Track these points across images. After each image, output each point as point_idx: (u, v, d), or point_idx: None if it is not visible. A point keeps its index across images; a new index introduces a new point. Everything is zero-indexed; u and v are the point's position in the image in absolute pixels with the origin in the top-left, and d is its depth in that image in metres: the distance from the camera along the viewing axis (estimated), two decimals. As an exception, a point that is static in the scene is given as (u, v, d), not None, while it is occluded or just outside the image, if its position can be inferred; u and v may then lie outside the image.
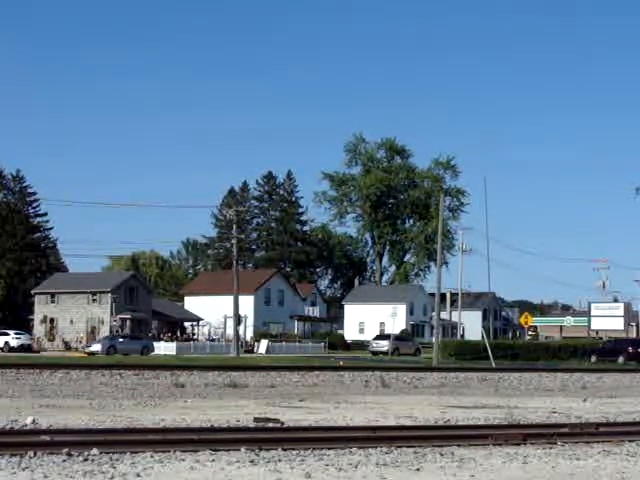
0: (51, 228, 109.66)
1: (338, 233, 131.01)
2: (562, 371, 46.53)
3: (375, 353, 75.43)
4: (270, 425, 15.79)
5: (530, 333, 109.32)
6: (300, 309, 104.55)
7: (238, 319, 73.03)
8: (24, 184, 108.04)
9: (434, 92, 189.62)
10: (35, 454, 11.19)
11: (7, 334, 73.74)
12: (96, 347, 66.63)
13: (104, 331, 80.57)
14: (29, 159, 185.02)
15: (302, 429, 14.96)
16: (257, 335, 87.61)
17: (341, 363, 56.68)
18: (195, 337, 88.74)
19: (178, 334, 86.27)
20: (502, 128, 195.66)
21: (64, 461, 10.96)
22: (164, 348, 70.65)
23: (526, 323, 76.93)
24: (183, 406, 20.91)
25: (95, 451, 11.48)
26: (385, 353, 73.28)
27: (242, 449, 12.15)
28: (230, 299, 74.38)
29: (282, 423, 16.14)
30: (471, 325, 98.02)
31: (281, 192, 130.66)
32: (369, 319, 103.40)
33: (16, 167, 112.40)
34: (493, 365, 53.32)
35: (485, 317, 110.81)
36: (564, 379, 40.30)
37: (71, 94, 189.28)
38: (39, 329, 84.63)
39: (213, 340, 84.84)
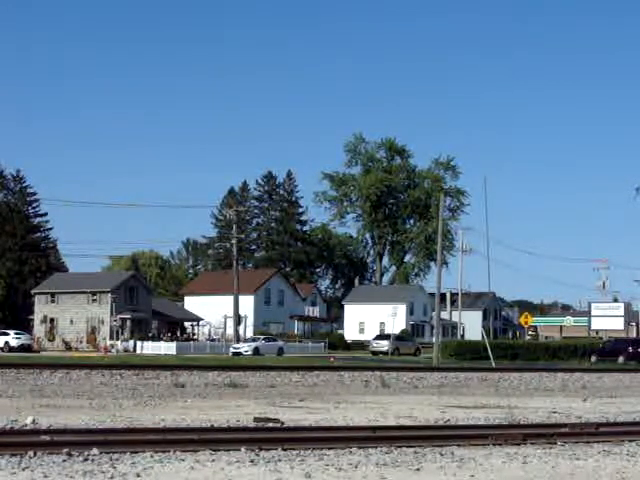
0: (51, 228, 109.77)
1: (338, 233, 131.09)
2: (562, 371, 46.54)
3: (375, 353, 75.41)
4: (270, 425, 15.79)
5: (530, 333, 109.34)
6: (300, 309, 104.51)
7: (238, 319, 73.07)
8: (24, 184, 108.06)
9: (434, 92, 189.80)
10: (35, 454, 11.19)
11: (7, 334, 73.73)
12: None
13: (104, 331, 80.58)
14: (29, 159, 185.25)
15: (302, 429, 14.97)
16: (257, 335, 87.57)
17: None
18: (195, 337, 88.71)
19: (178, 334, 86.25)
20: (502, 128, 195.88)
21: (64, 461, 10.96)
22: (164, 348, 70.67)
23: (526, 323, 76.93)
24: (183, 406, 20.91)
25: (95, 451, 11.48)
26: (385, 353, 73.27)
27: (242, 449, 12.15)
28: (230, 299, 74.34)
29: (282, 423, 16.15)
30: (471, 325, 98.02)
31: (281, 192, 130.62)
32: (369, 319, 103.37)
33: (16, 167, 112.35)
34: (493, 365, 53.33)
35: (485, 317, 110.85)
36: (564, 379, 40.31)
37: (71, 94, 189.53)
38: (39, 329, 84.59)
39: (213, 340, 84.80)
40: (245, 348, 69.93)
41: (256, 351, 68.97)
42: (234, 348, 70.54)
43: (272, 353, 69.59)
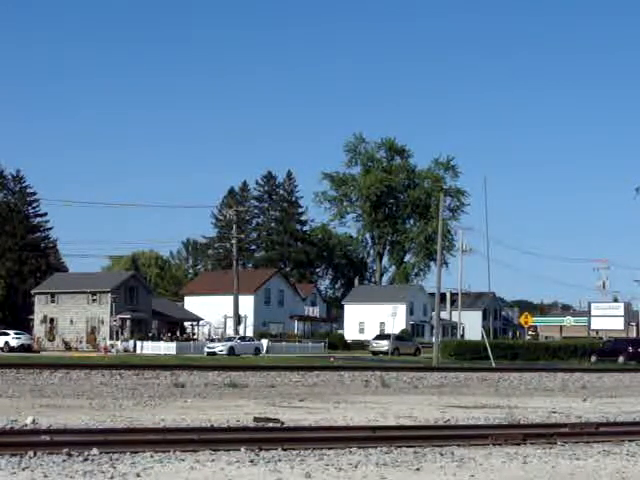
0: (51, 228, 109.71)
1: (338, 233, 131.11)
2: (562, 371, 46.54)
3: (375, 353, 75.38)
4: (270, 425, 15.79)
5: (530, 333, 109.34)
6: (300, 309, 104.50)
7: (238, 319, 73.03)
8: (24, 184, 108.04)
9: (434, 92, 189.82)
10: (35, 454, 11.19)
11: (7, 334, 73.70)
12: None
13: (104, 331, 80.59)
14: (29, 159, 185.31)
15: (302, 429, 14.97)
16: (257, 335, 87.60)
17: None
18: (195, 337, 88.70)
19: (178, 334, 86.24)
20: (502, 128, 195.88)
21: (64, 461, 10.96)
22: (164, 348, 70.63)
23: (526, 323, 76.93)
24: (183, 406, 20.91)
25: (95, 451, 11.47)
26: (385, 353, 73.25)
27: (242, 449, 12.15)
28: (230, 299, 74.30)
29: (282, 423, 16.14)
30: (471, 325, 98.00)
31: (281, 192, 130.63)
32: (369, 319, 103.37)
33: (16, 167, 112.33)
34: (493, 365, 53.34)
35: (485, 317, 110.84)
36: (564, 379, 40.31)
37: (71, 94, 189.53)
38: (39, 329, 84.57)
39: (213, 340, 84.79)
40: (220, 348, 68.35)
41: (231, 351, 67.27)
42: (208, 348, 69.13)
43: (249, 353, 68.04)
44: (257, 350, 70.32)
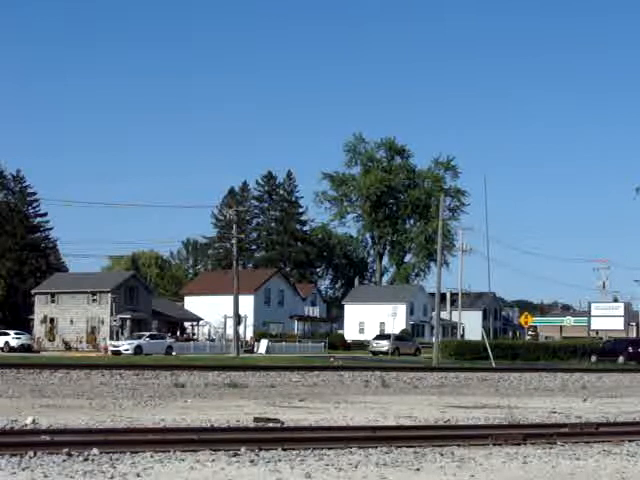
0: (51, 228, 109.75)
1: (338, 233, 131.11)
2: (562, 371, 46.53)
3: (375, 353, 75.39)
4: (270, 425, 15.78)
5: (530, 333, 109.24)
6: (300, 309, 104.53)
7: (238, 319, 72.97)
8: (24, 184, 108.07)
9: (434, 92, 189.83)
10: (35, 454, 11.18)
11: (7, 334, 73.76)
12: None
13: (104, 331, 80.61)
14: (29, 159, 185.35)
15: (302, 429, 14.96)
16: (257, 335, 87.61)
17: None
18: (195, 337, 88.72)
19: (178, 334, 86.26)
20: (502, 128, 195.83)
21: (64, 461, 10.95)
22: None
23: (526, 323, 76.87)
24: (183, 406, 20.90)
25: (95, 451, 11.47)
26: (385, 353, 73.26)
27: (242, 449, 12.14)
28: (230, 299, 74.24)
29: (282, 423, 16.13)
30: (471, 325, 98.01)
31: (281, 192, 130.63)
32: (369, 319, 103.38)
33: (16, 167, 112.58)
34: (493, 365, 53.33)
35: (485, 317, 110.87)
36: (564, 379, 40.30)
37: (71, 94, 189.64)
38: (39, 329, 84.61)
39: (213, 340, 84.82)
40: (125, 346, 64.57)
41: (138, 350, 63.58)
42: (113, 346, 65.80)
43: (159, 352, 64.18)
44: (169, 349, 66.46)
